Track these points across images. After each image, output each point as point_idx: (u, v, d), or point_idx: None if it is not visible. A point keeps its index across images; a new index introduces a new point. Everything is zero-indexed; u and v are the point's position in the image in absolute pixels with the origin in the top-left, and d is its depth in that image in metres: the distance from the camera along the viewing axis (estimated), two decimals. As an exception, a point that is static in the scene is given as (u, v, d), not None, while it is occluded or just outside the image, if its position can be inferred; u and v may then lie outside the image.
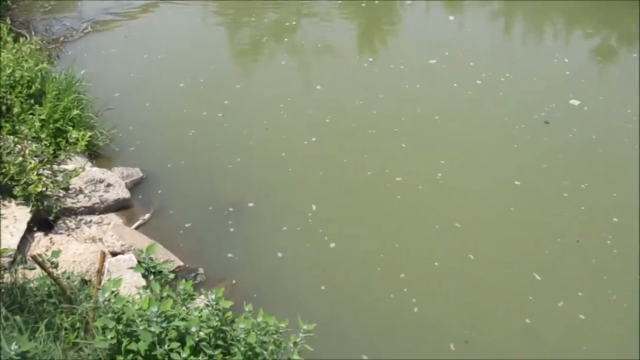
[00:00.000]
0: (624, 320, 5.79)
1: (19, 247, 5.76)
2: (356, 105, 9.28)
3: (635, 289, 6.10)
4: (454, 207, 7.24)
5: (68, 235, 6.38)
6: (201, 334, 3.56)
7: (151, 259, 3.82)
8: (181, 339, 3.30)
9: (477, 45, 11.21)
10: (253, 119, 8.95)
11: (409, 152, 8.21)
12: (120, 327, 3.29)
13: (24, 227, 6.03)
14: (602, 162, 8.00)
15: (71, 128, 7.50)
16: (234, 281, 6.22)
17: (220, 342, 3.70)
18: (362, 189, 7.57)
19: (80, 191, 6.90)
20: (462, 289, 6.17)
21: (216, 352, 3.55)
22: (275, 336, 3.79)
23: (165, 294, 3.55)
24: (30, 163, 6.33)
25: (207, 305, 3.76)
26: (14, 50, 8.01)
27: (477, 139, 8.48)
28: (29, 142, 6.72)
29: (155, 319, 2.99)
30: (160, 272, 3.75)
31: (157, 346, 3.02)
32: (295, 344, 3.76)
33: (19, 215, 6.14)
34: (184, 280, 3.89)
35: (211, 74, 10.26)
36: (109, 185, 7.12)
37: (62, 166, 6.97)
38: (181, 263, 6.31)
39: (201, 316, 3.48)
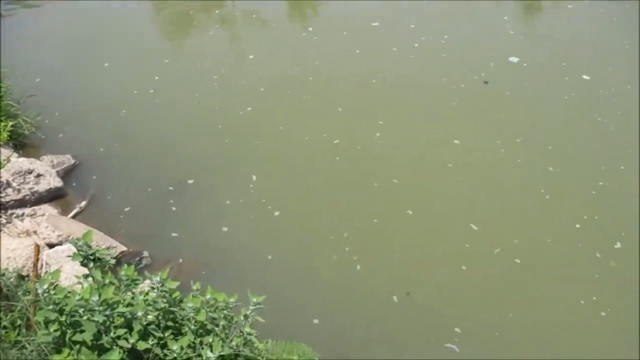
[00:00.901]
0: (559, 261, 6.16)
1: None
2: (292, 73, 9.20)
3: (569, 232, 6.48)
4: (392, 165, 7.38)
5: (-1, 231, 6.08)
6: (149, 317, 3.51)
7: (89, 246, 3.70)
8: (128, 325, 3.25)
9: (419, 8, 11.26)
10: (186, 93, 8.73)
11: (346, 115, 8.26)
12: (63, 318, 3.19)
13: (-51, 227, 5.70)
14: (537, 117, 8.29)
15: (-10, 118, 7.06)
16: (180, 260, 6.15)
17: (170, 323, 3.66)
18: (300, 155, 7.59)
19: (8, 184, 6.54)
20: (402, 243, 6.36)
21: (166, 333, 3.52)
22: (225, 311, 3.78)
23: (107, 280, 3.46)
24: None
25: (153, 288, 3.70)
26: None
27: (415, 100, 8.61)
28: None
29: (97, 308, 2.91)
30: (100, 259, 3.65)
31: (103, 334, 2.96)
32: (246, 317, 3.77)
33: (-59, 215, 5.79)
34: (125, 266, 3.80)
35: (138, 50, 9.87)
36: (39, 175, 6.79)
37: (-16, 159, 6.58)
38: (125, 248, 6.15)
39: (147, 300, 3.43)
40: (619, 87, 8.85)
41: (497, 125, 8.04)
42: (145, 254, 6.21)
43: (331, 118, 8.19)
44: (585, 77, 9.11)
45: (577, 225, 6.53)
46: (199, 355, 3.41)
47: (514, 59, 9.51)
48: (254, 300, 3.83)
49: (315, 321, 5.50)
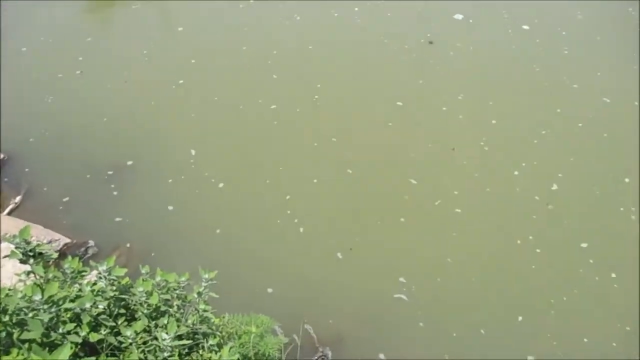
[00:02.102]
0: (498, 207, 6.46)
1: None
2: (225, 44, 8.99)
3: (507, 179, 6.78)
4: (332, 125, 7.46)
5: None
6: (100, 307, 3.46)
7: (27, 242, 3.58)
8: (78, 318, 3.19)
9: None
10: (114, 72, 8.40)
11: (282, 81, 8.20)
12: (6, 319, 3.10)
13: None
14: (479, 73, 8.50)
15: None
16: (128, 245, 6.04)
17: (122, 311, 3.62)
18: (237, 123, 7.53)
19: None
20: (342, 202, 6.50)
21: (119, 321, 3.48)
22: (177, 291, 3.77)
23: (50, 275, 3.37)
24: None
25: (100, 278, 3.64)
26: None
27: (356, 63, 8.62)
28: None
29: (42, 307, 2.85)
30: (41, 254, 3.54)
31: (52, 331, 2.91)
32: (199, 294, 3.77)
33: None
34: (70, 258, 3.70)
35: (56, 31, 9.34)
36: (-36, 172, 6.44)
37: None
38: (68, 240, 5.97)
39: (94, 290, 3.37)
40: (554, 35, 9.17)
41: (440, 85, 8.20)
42: (91, 243, 6.06)
43: (267, 85, 8.12)
44: (525, 27, 9.36)
45: (516, 173, 6.84)
46: (155, 337, 3.41)
47: (459, 16, 9.63)
48: (206, 276, 3.83)
49: (270, 290, 5.59)
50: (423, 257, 5.91)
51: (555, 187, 6.69)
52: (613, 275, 5.79)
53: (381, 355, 5.16)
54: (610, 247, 6.07)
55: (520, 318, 5.42)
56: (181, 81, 8.18)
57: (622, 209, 6.47)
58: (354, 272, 5.76)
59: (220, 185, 6.66)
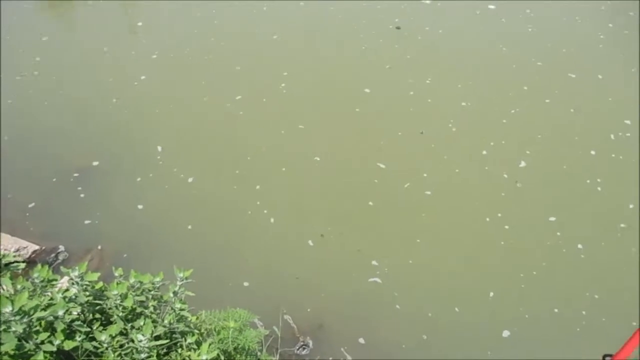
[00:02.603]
0: (468, 186, 6.58)
1: None
2: (187, 37, 8.87)
3: (474, 159, 6.89)
4: (299, 113, 7.46)
5: None
6: (74, 314, 3.43)
7: (-7, 254, 3.51)
8: (52, 326, 3.16)
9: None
10: (74, 70, 8.21)
11: (247, 72, 8.15)
12: (-22, 333, 3.04)
13: None
14: (448, 57, 8.56)
15: None
16: (99, 247, 5.95)
17: (97, 315, 3.59)
18: (203, 116, 7.46)
19: None
20: (311, 189, 6.54)
21: (95, 326, 3.45)
22: (152, 292, 3.75)
23: (19, 286, 3.31)
24: None
25: (73, 284, 3.59)
26: None
27: (323, 50, 8.61)
28: None
29: (13, 319, 2.80)
30: (7, 264, 3.47)
31: (25, 342, 2.86)
32: (175, 293, 3.76)
33: None
34: (39, 266, 3.64)
35: (12, 30, 9.04)
36: None
37: None
38: (37, 247, 5.83)
39: (66, 297, 3.32)
40: (519, 13, 9.30)
41: (408, 70, 8.24)
42: (61, 248, 5.95)
43: (231, 76, 8.05)
44: (490, 6, 9.46)
45: (484, 152, 6.96)
46: (132, 340, 3.39)
47: (427, 1, 9.66)
48: (181, 275, 3.82)
49: (246, 284, 5.59)
50: (394, 240, 6.00)
51: (523, 164, 6.84)
52: (580, 246, 5.98)
53: (361, 340, 5.24)
54: (577, 219, 6.26)
55: (491, 294, 5.56)
56: (143, 77, 8.05)
57: (588, 181, 6.66)
58: (327, 259, 5.81)
59: (190, 180, 6.61)
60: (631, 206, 6.38)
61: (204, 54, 8.49)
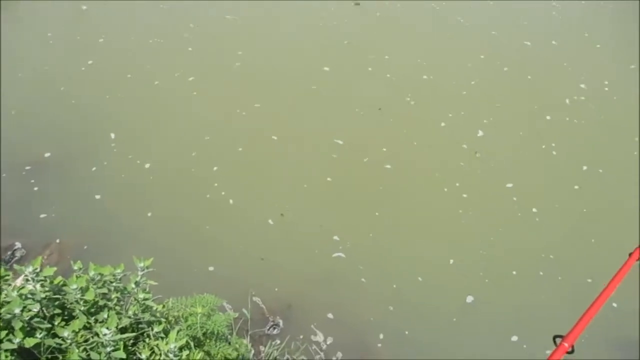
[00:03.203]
0: (427, 159, 6.68)
1: None
2: (134, 20, 8.58)
3: (433, 132, 6.98)
4: (255, 92, 7.38)
5: None
6: (33, 310, 3.34)
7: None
8: (9, 324, 3.07)
9: None
10: (17, 59, 7.84)
11: (200, 52, 7.98)
12: None
13: None
14: (406, 32, 8.55)
15: None
16: (58, 241, 5.80)
17: (57, 311, 3.52)
18: (155, 99, 7.29)
19: None
20: (268, 168, 6.52)
21: (56, 321, 3.38)
22: (114, 284, 3.69)
23: (-28, 287, 3.20)
24: None
25: (28, 280, 3.49)
26: None
27: (279, 28, 8.48)
28: None
29: (-34, 320, 2.71)
30: (-41, 266, 3.34)
31: (-18, 344, 2.79)
32: (137, 283, 3.71)
33: None
34: (-8, 265, 3.52)
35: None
36: None
37: None
38: (-9, 244, 5.66)
39: (22, 294, 3.23)
40: None
41: (366, 46, 8.22)
42: (18, 245, 5.77)
43: (183, 58, 7.89)
44: None
45: (442, 124, 7.06)
46: (97, 334, 3.34)
47: None
48: (141, 265, 3.76)
49: (211, 268, 5.56)
50: (352, 214, 6.06)
51: (481, 133, 6.97)
52: (534, 209, 6.18)
53: (330, 315, 5.31)
54: (532, 183, 6.46)
55: (451, 261, 5.71)
56: (90, 62, 7.77)
57: (543, 146, 6.86)
58: (290, 238, 5.84)
59: (147, 165, 6.47)
60: (584, 167, 6.62)
61: (152, 36, 8.25)
